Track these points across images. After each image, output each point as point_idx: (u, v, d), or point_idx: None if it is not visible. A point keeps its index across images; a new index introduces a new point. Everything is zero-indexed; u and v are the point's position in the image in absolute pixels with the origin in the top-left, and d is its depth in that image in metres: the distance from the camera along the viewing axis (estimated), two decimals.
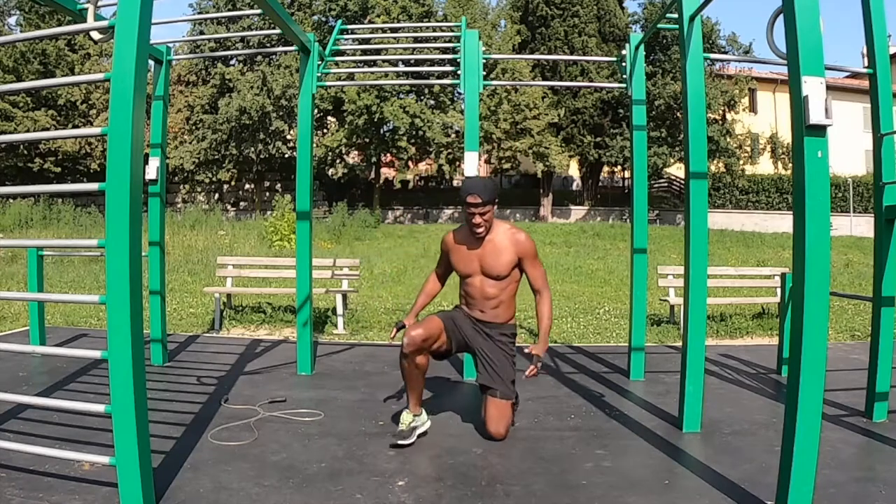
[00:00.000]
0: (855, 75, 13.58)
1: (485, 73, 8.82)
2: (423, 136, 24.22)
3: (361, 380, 4.44)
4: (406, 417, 3.21)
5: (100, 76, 2.38)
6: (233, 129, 24.65)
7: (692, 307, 3.40)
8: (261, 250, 15.18)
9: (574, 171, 31.86)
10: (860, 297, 4.91)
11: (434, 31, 15.29)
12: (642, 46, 4.54)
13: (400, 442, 3.07)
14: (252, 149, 25.24)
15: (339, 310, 6.74)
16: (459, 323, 3.37)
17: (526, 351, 3.31)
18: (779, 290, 6.58)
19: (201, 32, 23.96)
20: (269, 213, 22.80)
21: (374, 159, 26.28)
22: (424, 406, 3.33)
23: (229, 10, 23.94)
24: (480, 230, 3.25)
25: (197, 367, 4.74)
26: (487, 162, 27.73)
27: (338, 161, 25.47)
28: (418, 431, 3.21)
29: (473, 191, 3.18)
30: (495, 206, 3.26)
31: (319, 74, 4.56)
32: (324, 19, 26.59)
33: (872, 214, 3.76)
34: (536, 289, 3.35)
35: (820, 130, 2.24)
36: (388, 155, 26.92)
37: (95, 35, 2.98)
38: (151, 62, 4.58)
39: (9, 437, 2.94)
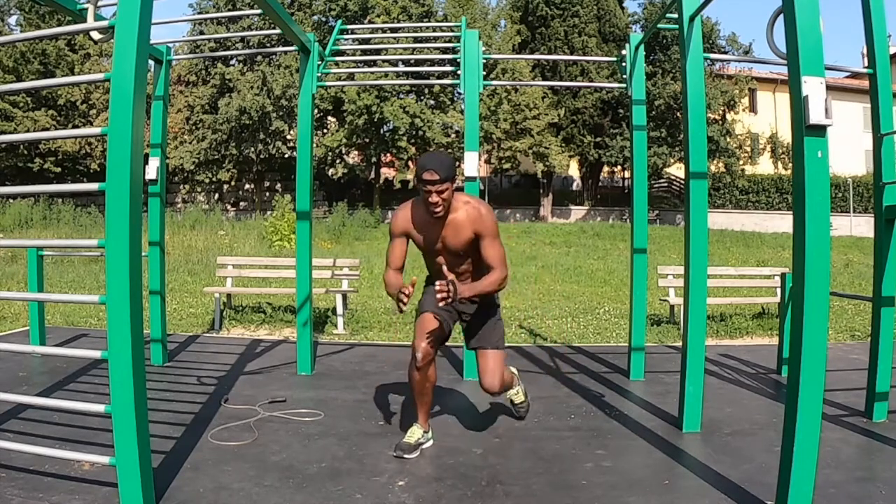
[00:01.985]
0: (855, 75, 13.58)
1: (485, 73, 8.82)
2: (423, 136, 24.22)
3: (361, 380, 4.44)
4: (416, 431, 3.11)
5: (100, 76, 2.38)
6: (233, 129, 24.64)
7: (692, 307, 3.40)
8: (261, 250, 15.18)
9: (574, 171, 31.86)
10: (860, 297, 4.91)
11: (434, 31, 15.30)
12: (642, 46, 4.54)
13: (406, 455, 2.99)
14: (252, 149, 25.24)
15: (339, 310, 6.74)
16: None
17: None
18: (779, 290, 6.59)
19: (201, 32, 23.94)
20: (269, 213, 22.80)
21: (374, 159, 26.28)
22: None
23: (229, 10, 23.93)
24: (438, 209, 2.91)
25: (197, 367, 4.74)
26: (487, 162, 27.72)
27: (338, 161, 25.47)
28: (423, 447, 3.13)
29: (430, 166, 2.85)
30: (454, 184, 2.94)
31: (319, 74, 4.56)
32: (324, 19, 26.58)
33: (872, 214, 3.76)
34: (489, 265, 3.00)
35: (820, 130, 2.24)
36: (388, 155, 26.92)
37: (95, 35, 2.98)
38: (151, 62, 4.58)
39: (9, 437, 2.94)
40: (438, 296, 2.75)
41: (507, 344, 5.85)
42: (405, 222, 3.10)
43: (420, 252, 3.22)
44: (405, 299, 2.80)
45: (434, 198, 2.89)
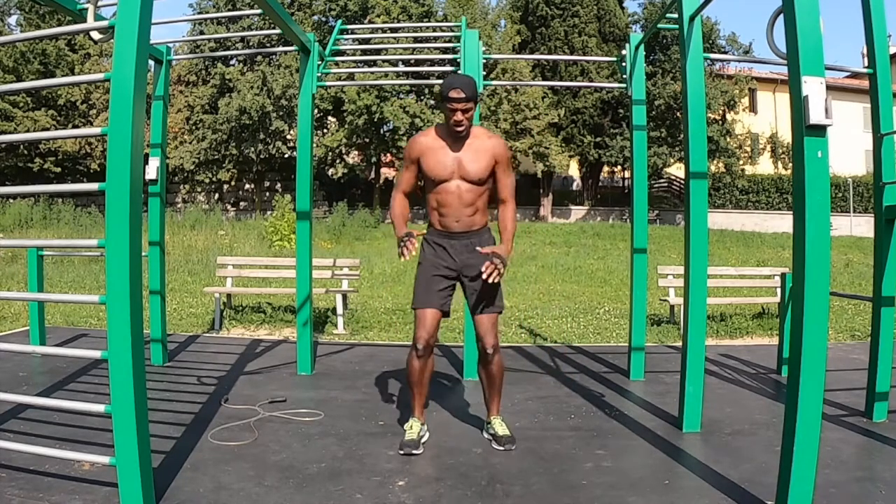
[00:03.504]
0: (855, 75, 13.56)
1: (485, 73, 8.82)
2: None
3: (361, 380, 4.44)
4: (414, 426, 3.14)
5: (100, 76, 2.38)
6: (233, 129, 24.64)
7: (692, 307, 3.40)
8: (261, 250, 15.18)
9: (574, 171, 31.86)
10: (860, 297, 4.91)
11: (434, 31, 15.29)
12: (642, 46, 4.54)
13: (414, 451, 3.01)
14: (252, 149, 25.24)
15: (339, 310, 6.74)
16: (441, 266, 3.15)
17: (484, 250, 3.00)
18: (779, 290, 6.58)
19: (201, 32, 23.94)
20: (269, 213, 22.80)
21: (374, 159, 26.28)
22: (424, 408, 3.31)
23: (229, 10, 23.93)
24: (461, 128, 3.00)
25: (197, 367, 4.74)
26: None
27: (338, 161, 25.47)
28: (423, 440, 3.15)
29: (457, 85, 2.95)
30: (476, 105, 3.04)
31: (319, 74, 4.56)
32: (324, 19, 26.58)
33: (872, 214, 3.76)
34: (503, 198, 3.16)
35: (820, 130, 2.24)
36: (388, 155, 26.91)
37: (95, 35, 2.98)
38: (151, 62, 4.58)
39: (9, 437, 2.94)
40: (488, 275, 2.83)
41: (507, 344, 5.89)
42: (422, 146, 3.12)
43: (429, 183, 3.14)
44: (407, 252, 2.88)
45: (459, 115, 2.97)
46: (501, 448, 3.11)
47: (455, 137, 3.06)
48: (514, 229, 3.13)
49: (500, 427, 3.22)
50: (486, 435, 3.28)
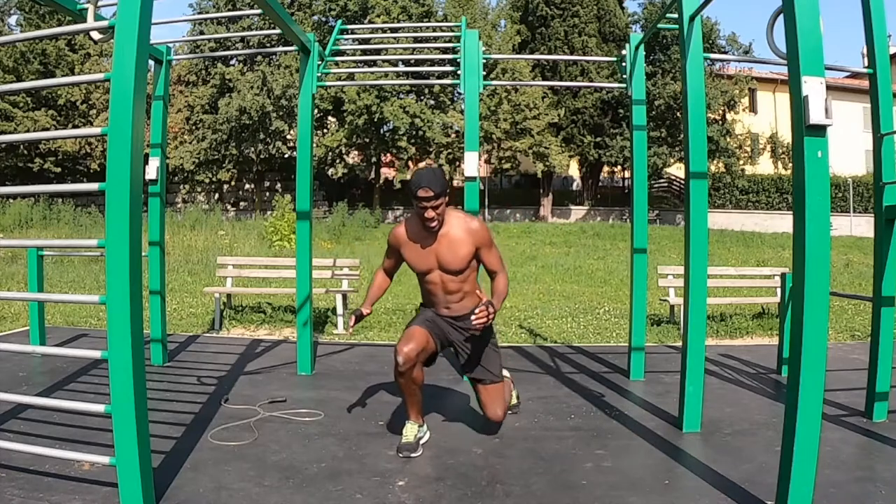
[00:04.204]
0: (855, 75, 13.58)
1: (485, 73, 8.82)
2: (423, 136, 24.22)
3: (361, 380, 4.44)
4: (411, 429, 3.14)
5: (100, 76, 2.38)
6: (233, 129, 24.65)
7: (692, 307, 3.40)
8: (261, 250, 15.18)
9: (574, 171, 31.86)
10: (860, 297, 4.91)
11: (434, 31, 15.29)
12: (642, 46, 4.54)
13: (412, 454, 3.01)
14: (252, 149, 25.25)
15: (339, 310, 6.74)
16: (437, 322, 3.26)
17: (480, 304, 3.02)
18: (779, 290, 6.58)
19: (201, 32, 23.94)
20: (269, 213, 22.80)
21: (374, 159, 26.28)
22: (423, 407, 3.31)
23: (229, 10, 23.93)
24: (434, 224, 3.04)
25: (197, 367, 4.74)
26: (487, 162, 27.72)
27: (338, 161, 25.46)
28: (423, 441, 3.16)
29: (424, 183, 2.97)
30: (447, 198, 3.06)
31: (319, 74, 4.56)
32: (324, 19, 26.59)
33: (872, 214, 3.76)
34: (493, 271, 3.19)
35: (820, 130, 2.24)
36: (388, 155, 26.92)
37: (95, 35, 2.98)
38: (151, 62, 4.58)
39: (9, 437, 2.94)
40: (479, 320, 2.85)
41: (507, 344, 5.88)
42: (399, 239, 3.22)
43: (415, 273, 3.27)
44: (353, 321, 3.11)
45: (430, 213, 3.01)
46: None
47: (430, 231, 3.10)
48: (505, 293, 3.15)
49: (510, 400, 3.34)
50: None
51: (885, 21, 3.47)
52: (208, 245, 15.48)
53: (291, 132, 25.08)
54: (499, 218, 27.67)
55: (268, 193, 27.61)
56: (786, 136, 26.73)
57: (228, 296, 7.35)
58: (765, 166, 28.82)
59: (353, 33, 5.83)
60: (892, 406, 3.63)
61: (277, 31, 4.15)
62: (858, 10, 3.59)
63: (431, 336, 3.19)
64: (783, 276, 5.17)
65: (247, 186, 28.67)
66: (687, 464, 2.96)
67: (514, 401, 3.69)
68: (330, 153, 25.01)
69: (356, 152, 26.89)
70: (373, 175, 28.03)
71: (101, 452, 2.43)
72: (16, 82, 12.81)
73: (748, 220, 25.19)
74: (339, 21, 5.97)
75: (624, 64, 4.64)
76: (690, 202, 3.40)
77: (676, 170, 28.45)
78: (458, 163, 25.35)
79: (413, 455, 3.02)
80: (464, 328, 3.23)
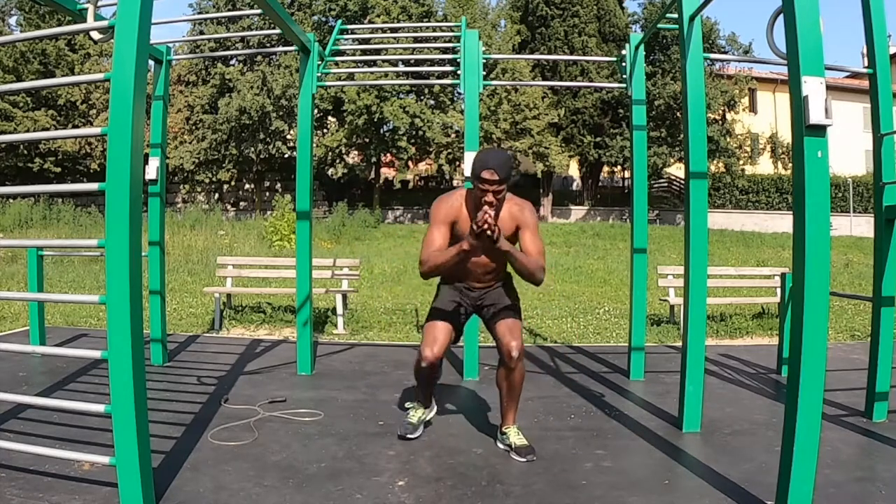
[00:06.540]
0: (855, 75, 13.59)
1: (485, 73, 8.82)
2: (423, 136, 24.22)
3: (361, 380, 4.44)
4: (417, 412, 3.26)
5: (100, 76, 2.38)
6: (233, 129, 24.65)
7: (692, 307, 3.40)
8: (261, 250, 15.18)
9: (574, 171, 31.86)
10: (860, 297, 4.91)
11: (434, 31, 15.29)
12: (642, 46, 4.54)
13: (408, 436, 3.12)
14: (252, 149, 25.24)
15: (339, 310, 6.74)
16: (462, 301, 3.14)
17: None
18: (779, 290, 6.58)
19: (201, 32, 23.93)
20: (269, 213, 22.79)
21: (374, 159, 26.26)
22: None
23: (229, 10, 23.93)
24: (492, 211, 2.70)
25: (197, 367, 4.74)
26: None
27: (338, 161, 25.46)
28: (425, 420, 3.30)
29: (491, 165, 2.70)
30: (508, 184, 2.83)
31: (319, 74, 4.56)
32: (324, 19, 26.57)
33: (872, 214, 3.76)
34: (528, 252, 2.93)
35: (820, 130, 2.24)
36: (388, 155, 26.92)
37: (95, 35, 2.98)
38: (151, 62, 4.58)
39: (9, 437, 2.94)
40: (481, 223, 2.58)
41: None
42: (455, 211, 2.96)
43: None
44: (487, 216, 2.60)
45: (489, 197, 2.76)
46: (523, 459, 2.92)
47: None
48: (524, 259, 2.84)
49: (516, 437, 3.04)
50: (500, 445, 3.09)
51: (885, 21, 3.47)
52: (208, 245, 15.47)
53: (291, 132, 25.07)
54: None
55: (268, 193, 27.60)
56: (786, 136, 26.73)
57: (228, 296, 7.35)
58: (765, 166, 28.83)
59: (353, 33, 5.83)
60: (892, 406, 3.64)
61: (277, 31, 4.14)
62: (858, 10, 3.60)
63: (453, 327, 3.13)
64: (783, 276, 5.18)
65: (247, 186, 28.67)
66: (687, 464, 2.96)
67: None
68: (330, 153, 25.00)
69: (356, 152, 26.89)
70: (373, 175, 28.02)
71: (101, 452, 2.43)
72: (16, 82, 12.82)
73: (748, 220, 25.19)
74: (339, 21, 5.97)
75: (624, 64, 4.64)
76: (690, 202, 3.40)
77: (676, 170, 28.44)
78: (458, 163, 25.35)
79: (410, 436, 3.15)
80: (488, 290, 3.13)
